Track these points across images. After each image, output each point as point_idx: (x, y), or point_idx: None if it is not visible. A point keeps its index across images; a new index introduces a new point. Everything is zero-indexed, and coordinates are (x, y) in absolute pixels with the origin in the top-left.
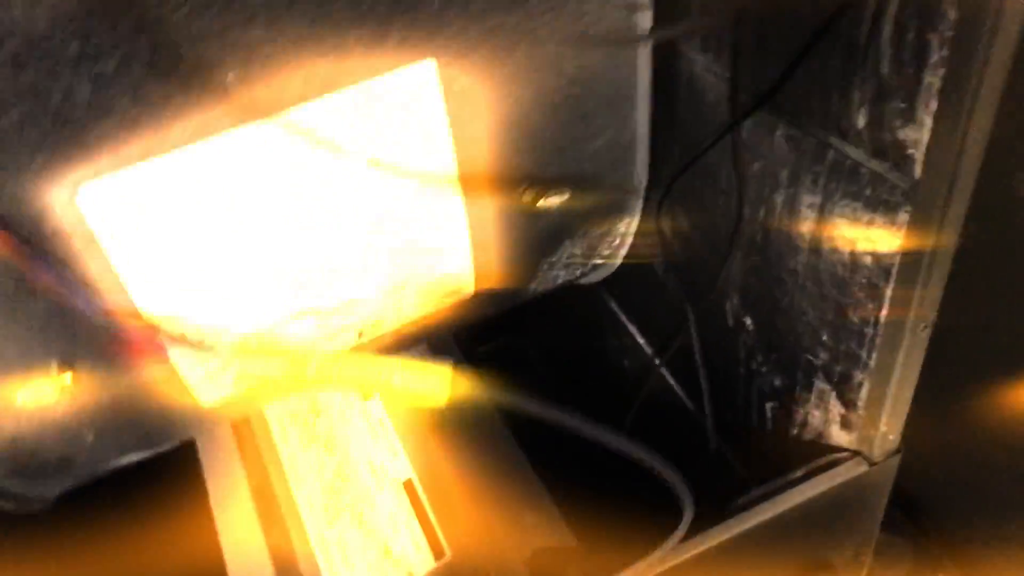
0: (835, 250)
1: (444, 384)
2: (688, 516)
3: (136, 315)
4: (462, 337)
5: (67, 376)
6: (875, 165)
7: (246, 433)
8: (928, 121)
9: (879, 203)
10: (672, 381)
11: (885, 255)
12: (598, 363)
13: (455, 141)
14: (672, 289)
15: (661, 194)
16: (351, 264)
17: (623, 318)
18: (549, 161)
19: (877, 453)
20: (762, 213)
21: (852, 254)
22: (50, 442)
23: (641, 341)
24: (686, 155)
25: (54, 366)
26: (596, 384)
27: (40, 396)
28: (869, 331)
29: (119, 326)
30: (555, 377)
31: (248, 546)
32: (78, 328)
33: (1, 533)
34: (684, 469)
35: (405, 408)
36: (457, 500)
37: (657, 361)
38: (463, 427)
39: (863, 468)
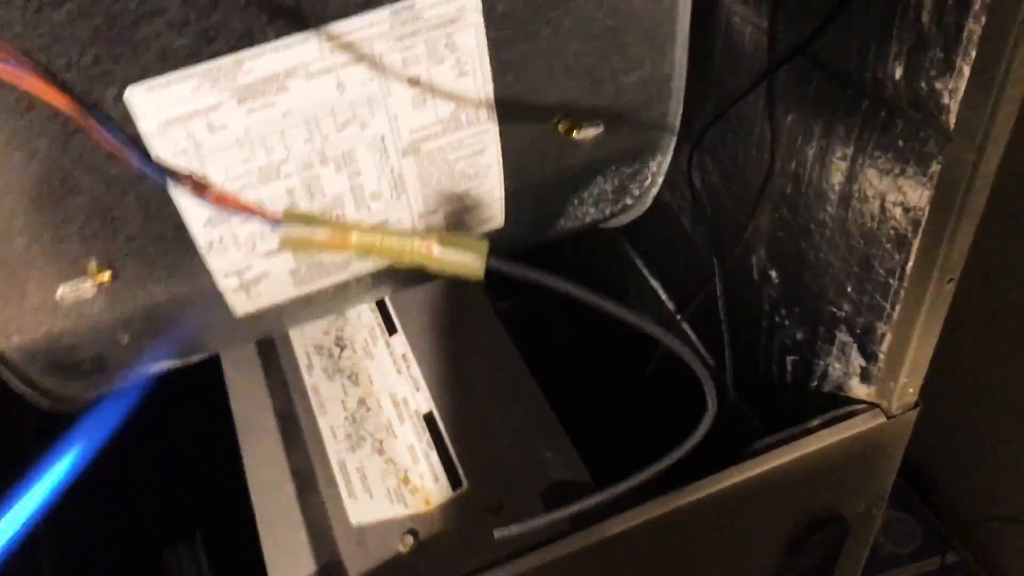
0: (865, 201)
1: (482, 256)
2: (712, 407)
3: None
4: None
5: (106, 274)
6: (910, 116)
7: (271, 356)
8: (966, 71)
9: (912, 154)
10: (692, 335)
11: (915, 207)
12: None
13: (493, 65)
14: (699, 242)
15: (692, 145)
16: (382, 185)
17: (646, 272)
18: (585, 92)
19: (896, 406)
20: (793, 165)
21: (882, 205)
22: (85, 339)
23: (663, 296)
24: (718, 106)
25: (93, 263)
26: (616, 337)
27: (78, 292)
28: (894, 283)
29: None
30: (576, 331)
31: (270, 466)
32: (119, 228)
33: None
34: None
35: (429, 344)
36: (475, 434)
37: (679, 316)
38: (484, 364)
39: (880, 420)
